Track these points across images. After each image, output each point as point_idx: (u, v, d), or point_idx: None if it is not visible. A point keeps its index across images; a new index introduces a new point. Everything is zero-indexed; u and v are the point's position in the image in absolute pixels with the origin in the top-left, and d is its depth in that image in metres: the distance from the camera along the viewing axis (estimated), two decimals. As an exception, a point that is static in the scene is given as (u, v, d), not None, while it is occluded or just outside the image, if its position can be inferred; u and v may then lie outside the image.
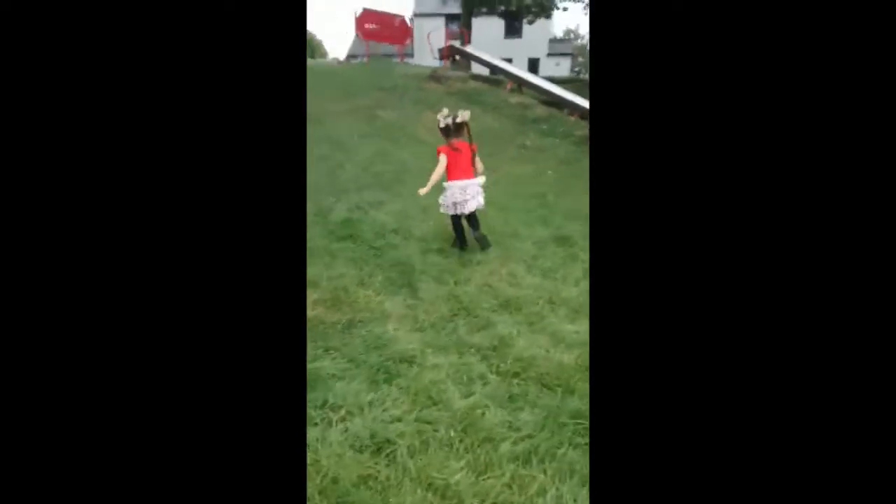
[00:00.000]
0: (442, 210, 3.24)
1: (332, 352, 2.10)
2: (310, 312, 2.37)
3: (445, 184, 3.14)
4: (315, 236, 3.20)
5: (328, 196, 3.93)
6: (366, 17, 11.08)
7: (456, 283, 2.87)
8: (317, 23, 58.50)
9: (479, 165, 3.21)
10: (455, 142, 3.10)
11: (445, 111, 3.14)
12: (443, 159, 3.07)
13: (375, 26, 11.23)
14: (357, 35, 11.68)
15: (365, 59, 11.94)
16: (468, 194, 3.09)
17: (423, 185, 3.03)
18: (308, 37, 27.71)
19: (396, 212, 3.82)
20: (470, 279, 2.93)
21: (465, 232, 3.22)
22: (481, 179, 3.18)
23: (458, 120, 3.08)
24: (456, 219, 3.18)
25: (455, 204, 3.11)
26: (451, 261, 3.14)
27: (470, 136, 3.15)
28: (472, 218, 3.18)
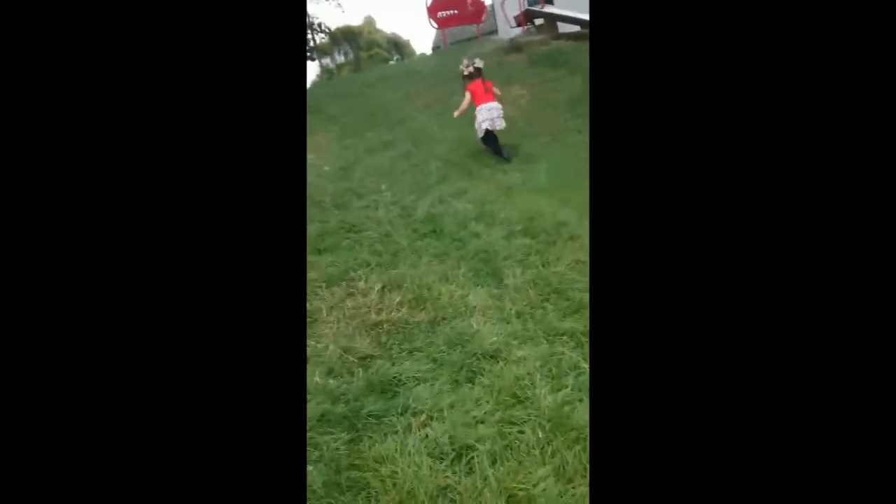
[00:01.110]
0: (479, 134, 4.43)
1: (415, 353, 2.08)
2: (394, 314, 2.38)
3: (476, 110, 4.35)
4: (399, 237, 3.22)
5: (410, 194, 3.94)
6: (436, 4, 10.97)
7: (544, 264, 2.68)
8: (401, 26, 60.02)
9: (498, 92, 4.46)
10: (477, 81, 4.42)
11: (465, 62, 4.56)
12: (467, 94, 4.45)
13: (448, 12, 11.06)
14: (433, 25, 11.65)
15: (445, 48, 11.87)
16: (494, 114, 4.29)
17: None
18: (393, 39, 28.49)
19: (479, 198, 3.69)
20: (560, 258, 2.71)
21: (497, 143, 4.35)
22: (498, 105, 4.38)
23: (476, 66, 4.47)
24: (489, 135, 4.34)
25: (491, 120, 4.29)
26: (538, 241, 2.94)
27: (483, 75, 4.48)
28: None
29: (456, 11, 11.21)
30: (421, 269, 2.80)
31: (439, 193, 3.87)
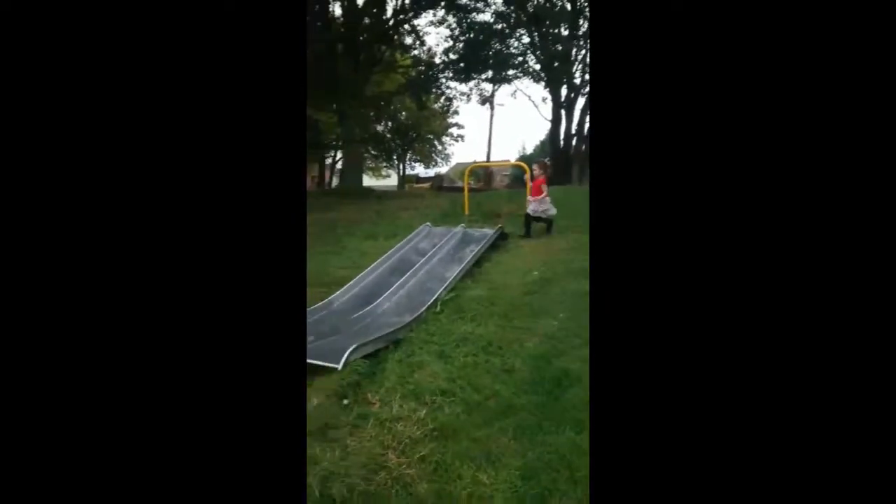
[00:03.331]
0: (529, 212, 5.32)
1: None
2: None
3: (529, 198, 5.34)
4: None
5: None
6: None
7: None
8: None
9: (545, 189, 5.29)
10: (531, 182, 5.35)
11: (539, 164, 5.55)
12: (529, 184, 5.43)
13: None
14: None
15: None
16: (542, 206, 5.24)
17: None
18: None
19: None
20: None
21: (530, 228, 5.26)
22: (546, 198, 5.28)
23: (538, 169, 5.45)
24: (529, 218, 5.24)
25: (535, 211, 5.24)
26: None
27: (532, 176, 5.40)
28: (550, 223, 5.31)
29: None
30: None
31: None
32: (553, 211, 5.28)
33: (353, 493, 1.53)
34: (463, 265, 3.76)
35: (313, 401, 2.03)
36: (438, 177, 23.62)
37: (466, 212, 5.71)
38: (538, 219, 5.26)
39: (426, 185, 21.56)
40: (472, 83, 14.84)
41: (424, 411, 2.01)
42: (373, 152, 22.87)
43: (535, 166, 5.49)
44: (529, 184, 5.36)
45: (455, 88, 15.97)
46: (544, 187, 5.23)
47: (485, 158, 21.04)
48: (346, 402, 2.09)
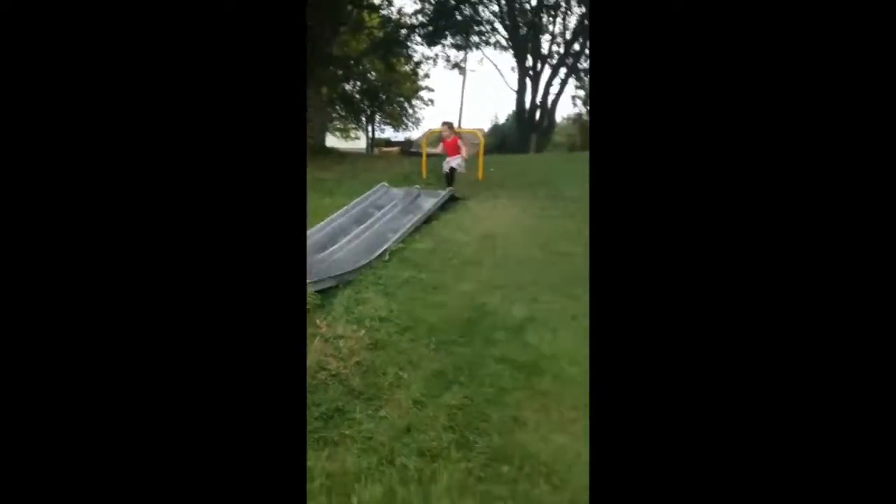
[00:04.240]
0: (444, 170, 5.79)
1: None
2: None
3: (447, 159, 5.80)
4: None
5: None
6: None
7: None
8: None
9: (464, 150, 5.73)
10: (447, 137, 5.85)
11: (445, 127, 5.93)
12: (441, 146, 5.99)
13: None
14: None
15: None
16: (456, 163, 5.70)
17: None
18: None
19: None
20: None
21: (450, 181, 5.61)
22: (460, 159, 5.75)
23: (446, 131, 5.89)
24: (449, 174, 5.67)
25: (459, 166, 5.72)
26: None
27: (441, 137, 5.97)
28: (452, 174, 5.67)
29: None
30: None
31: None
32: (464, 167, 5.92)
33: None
34: (413, 221, 4.16)
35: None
36: (408, 141, 23.52)
37: (424, 174, 6.07)
38: (452, 172, 5.72)
39: (395, 148, 21.50)
40: (438, 48, 14.85)
41: (363, 332, 2.45)
42: (342, 113, 22.53)
43: (443, 127, 5.91)
44: (440, 146, 5.89)
45: (422, 53, 15.92)
46: (462, 144, 5.72)
47: (457, 125, 21.18)
48: (298, 324, 2.50)
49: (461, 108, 31.84)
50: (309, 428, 1.74)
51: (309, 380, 2.02)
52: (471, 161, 6.28)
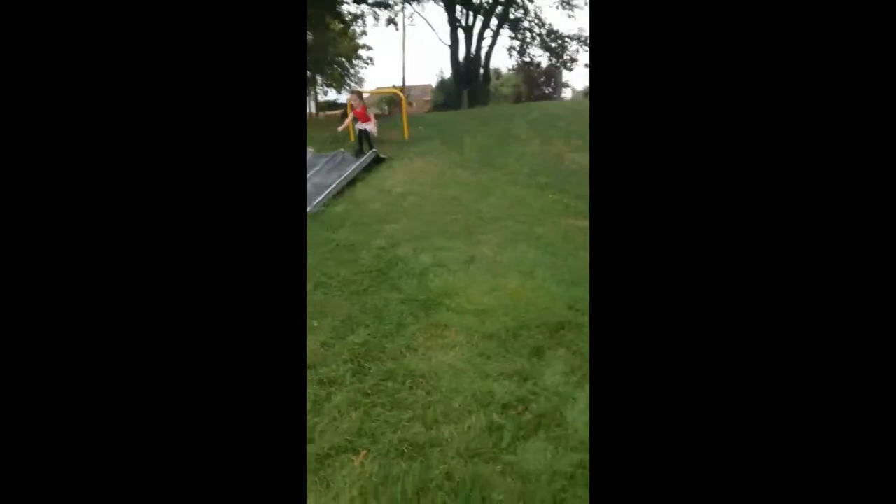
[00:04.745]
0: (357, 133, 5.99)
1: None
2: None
3: (358, 124, 6.02)
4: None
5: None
6: None
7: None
8: None
9: (372, 119, 6.05)
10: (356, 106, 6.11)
11: (353, 97, 6.39)
12: (350, 115, 6.28)
13: None
14: None
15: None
16: (368, 127, 5.91)
17: None
18: None
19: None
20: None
21: (362, 146, 5.82)
22: (373, 124, 6.05)
23: (353, 98, 6.30)
24: (360, 138, 5.85)
25: (371, 132, 5.95)
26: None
27: (354, 101, 6.32)
28: (368, 140, 5.84)
29: None
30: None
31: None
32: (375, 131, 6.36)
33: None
34: (337, 182, 4.35)
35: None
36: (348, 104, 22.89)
37: (352, 139, 6.17)
38: (364, 135, 6.07)
39: (339, 111, 20.98)
40: (364, 6, 14.40)
41: (280, 291, 2.70)
42: (282, 78, 21.52)
43: (352, 97, 6.48)
44: (351, 114, 6.26)
45: (348, 11, 15.40)
46: (369, 112, 6.21)
47: (400, 83, 20.84)
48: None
49: (403, 66, 31.10)
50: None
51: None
52: (396, 121, 6.46)
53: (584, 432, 1.59)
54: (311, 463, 1.50)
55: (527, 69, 20.33)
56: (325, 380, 1.94)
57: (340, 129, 6.46)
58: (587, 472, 1.39)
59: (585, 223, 3.54)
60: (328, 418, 1.71)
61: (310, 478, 1.45)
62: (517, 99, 22.50)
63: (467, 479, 1.42)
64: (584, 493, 1.38)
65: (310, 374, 1.98)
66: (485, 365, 2.01)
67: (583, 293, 2.53)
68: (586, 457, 1.46)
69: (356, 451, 1.56)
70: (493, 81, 22.37)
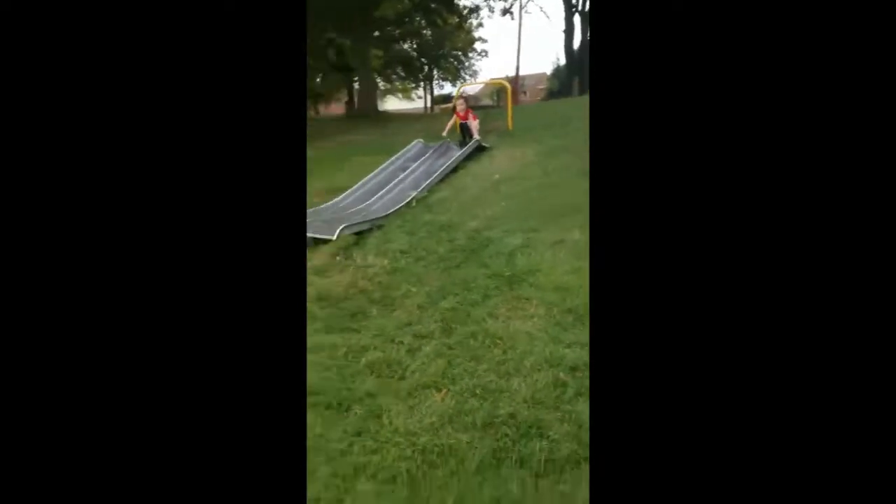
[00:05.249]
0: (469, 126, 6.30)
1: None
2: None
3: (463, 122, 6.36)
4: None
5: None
6: None
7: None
8: None
9: (475, 120, 6.30)
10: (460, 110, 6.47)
11: (460, 101, 6.60)
12: (454, 118, 6.58)
13: None
14: None
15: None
16: (472, 128, 6.22)
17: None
18: None
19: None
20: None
21: (465, 137, 6.16)
22: (476, 122, 6.32)
23: (459, 102, 6.55)
24: (463, 130, 6.28)
25: (475, 128, 6.25)
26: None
27: (459, 105, 6.59)
28: (470, 133, 6.18)
29: None
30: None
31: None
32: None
33: (335, 296, 2.69)
34: (441, 170, 4.73)
35: (313, 260, 3.17)
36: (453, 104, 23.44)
37: (458, 130, 6.54)
38: (466, 128, 6.33)
39: (451, 104, 21.64)
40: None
41: (387, 261, 3.12)
42: (401, 74, 22.93)
43: (458, 101, 6.83)
44: (454, 118, 6.55)
45: (463, 6, 15.70)
46: (472, 115, 6.48)
47: (514, 72, 20.91)
48: (337, 258, 3.23)
49: (518, 55, 30.95)
50: (338, 323, 2.45)
51: (342, 294, 2.73)
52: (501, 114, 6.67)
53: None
54: (401, 394, 1.85)
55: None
56: (418, 334, 2.29)
57: (444, 133, 6.69)
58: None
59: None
60: (419, 362, 2.05)
61: (399, 405, 1.79)
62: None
63: (529, 419, 1.66)
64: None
65: (406, 329, 2.34)
66: (560, 334, 2.20)
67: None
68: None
69: (438, 389, 1.87)
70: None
